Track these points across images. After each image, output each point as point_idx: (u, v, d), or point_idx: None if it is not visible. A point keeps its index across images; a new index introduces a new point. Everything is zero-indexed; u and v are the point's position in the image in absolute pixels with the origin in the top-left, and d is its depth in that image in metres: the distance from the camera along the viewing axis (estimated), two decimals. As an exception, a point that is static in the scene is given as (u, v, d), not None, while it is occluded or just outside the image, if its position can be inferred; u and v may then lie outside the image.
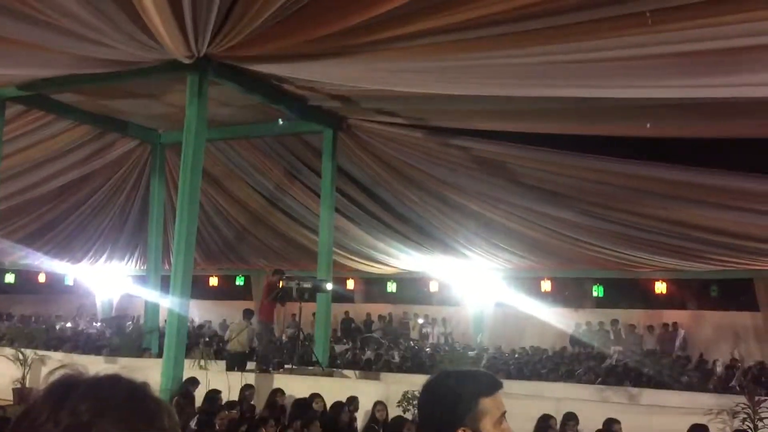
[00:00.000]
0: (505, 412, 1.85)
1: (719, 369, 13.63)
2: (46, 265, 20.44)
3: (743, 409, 7.84)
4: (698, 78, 7.10)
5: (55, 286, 25.06)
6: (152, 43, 8.34)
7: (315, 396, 8.44)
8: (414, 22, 7.00)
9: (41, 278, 23.49)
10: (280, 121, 12.41)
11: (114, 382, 1.16)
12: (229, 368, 10.87)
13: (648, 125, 9.61)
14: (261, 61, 9.09)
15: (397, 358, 14.86)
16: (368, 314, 21.95)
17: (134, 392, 1.15)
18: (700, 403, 8.92)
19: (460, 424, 1.79)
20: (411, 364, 14.01)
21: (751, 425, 7.64)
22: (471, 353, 14.82)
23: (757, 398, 7.99)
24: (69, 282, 24.29)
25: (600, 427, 7.00)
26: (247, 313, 12.44)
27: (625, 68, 7.11)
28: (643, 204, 12.12)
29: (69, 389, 1.12)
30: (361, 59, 8.17)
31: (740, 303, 19.35)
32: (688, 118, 9.41)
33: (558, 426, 7.25)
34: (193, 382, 9.34)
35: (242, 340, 11.87)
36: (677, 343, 17.51)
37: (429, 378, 1.92)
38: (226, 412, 7.70)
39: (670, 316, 19.07)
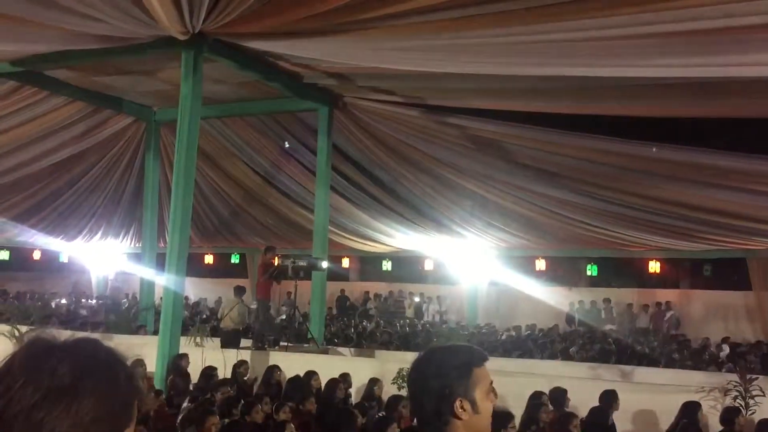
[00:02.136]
0: (492, 382, 1.90)
1: (723, 353, 13.64)
2: (41, 242, 20.43)
3: (735, 387, 7.93)
4: (692, 57, 7.09)
5: (49, 263, 25.09)
6: (147, 18, 8.27)
7: (311, 373, 8.49)
8: (406, 0, 6.96)
9: (36, 255, 23.49)
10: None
11: (91, 344, 1.15)
12: (224, 345, 10.92)
13: (648, 106, 9.59)
14: (256, 38, 9.02)
15: (391, 336, 14.94)
16: (366, 292, 22.06)
17: (111, 354, 1.16)
18: (692, 380, 9.02)
19: (457, 396, 1.83)
20: (405, 341, 14.10)
21: (743, 402, 7.73)
22: (464, 333, 14.93)
23: (748, 376, 8.07)
24: (64, 259, 24.32)
25: (593, 403, 7.05)
26: (238, 290, 12.48)
27: (618, 47, 7.10)
28: (638, 183, 12.15)
29: (47, 352, 1.10)
30: (356, 37, 8.12)
31: (733, 282, 19.50)
32: (683, 97, 9.40)
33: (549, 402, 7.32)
34: (182, 357, 9.37)
35: (234, 317, 11.94)
36: (667, 322, 17.65)
37: (418, 355, 1.96)
38: (227, 389, 7.73)
39: (664, 295, 19.22)
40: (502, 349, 13.37)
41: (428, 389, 1.87)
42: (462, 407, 1.83)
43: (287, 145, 14.06)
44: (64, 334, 1.16)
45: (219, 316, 13.19)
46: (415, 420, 2.10)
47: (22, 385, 1.05)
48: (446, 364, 1.87)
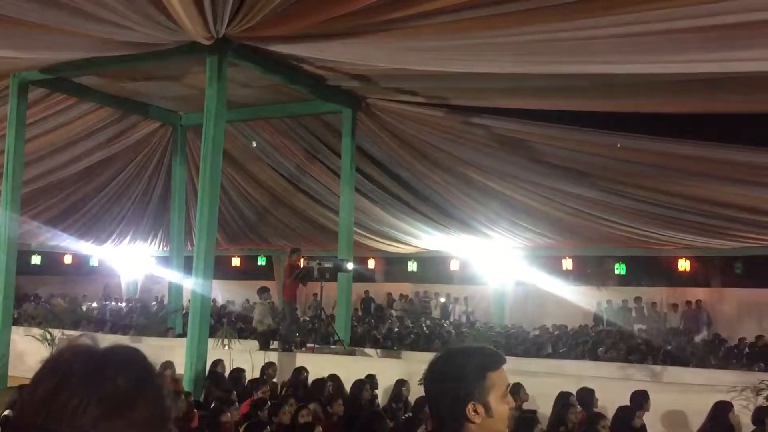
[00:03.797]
0: (509, 386, 1.89)
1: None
2: (72, 246, 20.73)
3: (767, 386, 7.80)
4: (719, 52, 6.98)
5: (80, 267, 25.44)
6: (171, 24, 8.36)
7: (332, 377, 8.51)
8: (428, 1, 6.95)
9: (67, 260, 23.83)
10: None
11: (134, 353, 1.15)
12: (262, 347, 11.14)
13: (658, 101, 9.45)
14: (279, 42, 9.08)
15: (418, 337, 14.91)
16: (389, 294, 22.06)
17: (151, 364, 1.17)
18: (724, 380, 8.88)
19: (470, 399, 1.83)
20: (430, 341, 14.05)
21: (775, 402, 7.60)
22: (491, 333, 14.85)
23: (781, 375, 7.94)
24: (94, 263, 24.64)
25: (622, 404, 6.98)
26: (261, 291, 12.52)
27: (648, 43, 7.02)
28: (667, 181, 11.98)
29: (100, 362, 1.09)
30: (378, 38, 8.13)
31: (765, 280, 19.16)
32: (713, 93, 9.26)
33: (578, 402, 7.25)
34: (217, 363, 9.50)
35: (261, 319, 12.00)
36: (702, 321, 17.39)
37: (434, 356, 1.95)
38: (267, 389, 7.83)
39: (694, 293, 18.93)
40: (530, 349, 13.27)
41: (442, 392, 1.88)
42: (475, 411, 1.82)
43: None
44: (102, 340, 1.18)
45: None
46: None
47: (80, 401, 1.04)
48: (461, 368, 1.87)
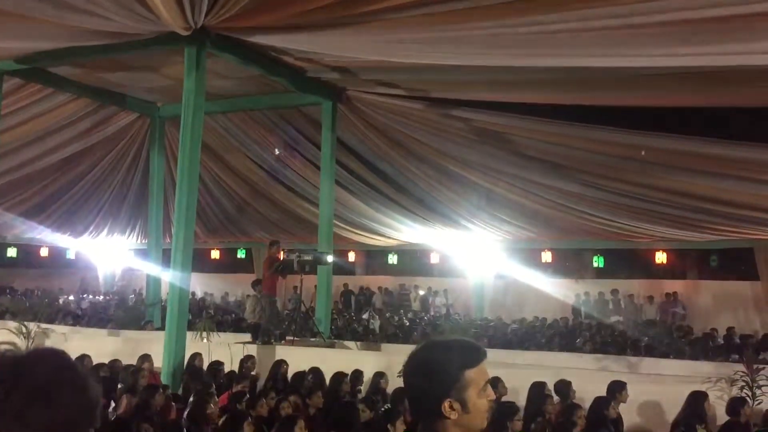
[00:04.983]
0: (489, 380, 1.88)
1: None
2: (48, 238, 20.51)
3: (742, 377, 7.91)
4: (697, 46, 7.03)
5: (57, 260, 25.19)
6: (149, 14, 8.27)
7: (314, 370, 8.50)
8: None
9: (43, 252, 23.58)
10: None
11: (53, 352, 1.41)
12: (253, 339, 11.22)
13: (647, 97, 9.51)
14: (259, 33, 9.01)
15: (397, 330, 14.94)
16: (367, 287, 22.07)
17: (75, 366, 1.40)
18: (699, 371, 8.99)
19: (446, 396, 1.82)
20: (412, 334, 14.10)
21: (749, 393, 7.71)
22: (471, 326, 14.91)
23: (755, 366, 8.05)
24: (71, 256, 24.42)
25: (599, 394, 7.04)
26: (254, 284, 12.48)
27: (624, 37, 7.05)
28: (644, 174, 12.09)
29: (22, 360, 1.33)
30: (359, 30, 8.09)
31: (740, 272, 19.43)
32: (692, 87, 9.34)
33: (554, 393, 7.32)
34: (195, 356, 9.45)
35: (252, 311, 11.97)
36: (677, 313, 17.61)
37: (414, 349, 1.94)
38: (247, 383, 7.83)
39: (671, 286, 19.15)
40: (509, 341, 13.35)
41: (420, 386, 1.87)
42: (451, 407, 1.81)
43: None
44: (97, 341, 1.42)
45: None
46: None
47: (9, 388, 1.28)
48: (439, 364, 1.85)
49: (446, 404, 1.81)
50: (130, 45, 9.75)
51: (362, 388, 8.77)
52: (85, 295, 22.20)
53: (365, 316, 16.10)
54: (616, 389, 7.20)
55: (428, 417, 1.85)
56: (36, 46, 10.47)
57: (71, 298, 21.41)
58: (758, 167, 10.86)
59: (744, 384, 7.82)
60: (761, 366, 8.14)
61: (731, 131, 10.83)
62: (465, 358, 1.87)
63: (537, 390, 7.24)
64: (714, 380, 7.81)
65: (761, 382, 7.80)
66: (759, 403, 7.56)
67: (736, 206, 12.42)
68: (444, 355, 1.87)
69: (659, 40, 6.93)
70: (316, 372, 8.46)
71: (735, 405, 6.86)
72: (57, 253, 24.10)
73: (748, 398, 7.40)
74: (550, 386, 7.48)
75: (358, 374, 8.56)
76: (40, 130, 13.89)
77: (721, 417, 7.10)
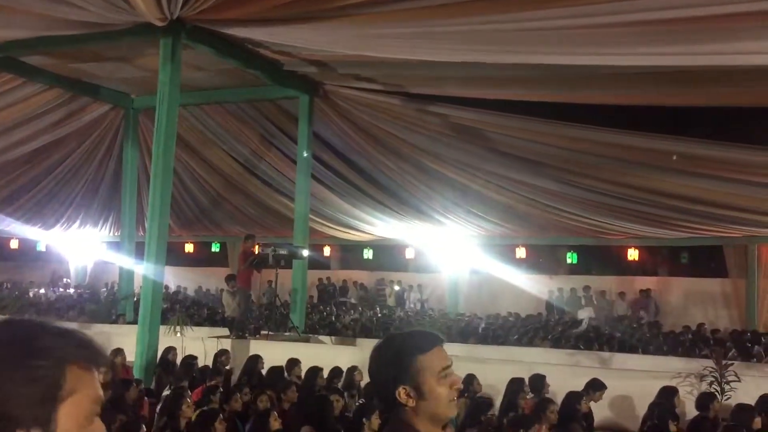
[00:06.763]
0: (449, 365, 1.89)
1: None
2: (18, 231, 20.18)
3: (711, 372, 8.05)
4: (675, 46, 7.12)
5: (27, 252, 24.80)
6: (124, 5, 8.17)
7: (293, 362, 8.49)
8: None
9: (13, 245, 23.21)
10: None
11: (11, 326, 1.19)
12: (231, 333, 11.19)
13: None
14: (235, 25, 8.94)
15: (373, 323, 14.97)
16: (344, 281, 22.07)
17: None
18: (669, 366, 9.13)
19: (399, 383, 1.84)
20: (386, 329, 14.12)
21: (718, 388, 7.85)
22: (444, 320, 14.97)
23: (724, 362, 8.19)
24: (42, 248, 24.06)
25: (570, 389, 7.12)
26: (228, 279, 12.40)
27: (601, 36, 7.12)
28: (617, 171, 12.23)
29: None
30: (336, 24, 8.08)
31: (710, 270, 19.73)
32: (663, 86, 9.46)
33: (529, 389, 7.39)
34: (170, 350, 9.39)
35: (230, 306, 11.88)
36: (649, 309, 17.83)
37: (377, 342, 1.97)
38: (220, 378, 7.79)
39: (642, 282, 19.39)
40: (484, 336, 13.43)
41: (378, 377, 1.92)
42: (408, 395, 1.83)
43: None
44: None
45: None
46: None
47: None
48: (392, 352, 1.89)
49: (401, 391, 1.83)
50: (105, 35, 9.62)
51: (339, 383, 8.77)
52: (55, 288, 21.91)
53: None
54: (594, 387, 7.30)
55: (390, 407, 1.88)
56: (7, 35, 10.27)
57: (42, 291, 21.11)
58: (729, 166, 11.04)
59: (713, 380, 7.96)
60: (730, 362, 8.29)
61: (704, 130, 11.00)
62: (417, 343, 1.90)
63: (514, 385, 7.31)
64: (684, 376, 7.94)
65: (730, 378, 7.94)
66: (728, 399, 7.69)
67: (706, 204, 12.61)
68: (399, 343, 1.92)
69: (632, 39, 7.00)
70: (291, 366, 8.45)
71: (704, 400, 6.97)
72: (27, 246, 23.73)
73: (717, 393, 7.53)
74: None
75: (337, 371, 8.53)
76: (11, 120, 13.64)
77: (691, 412, 7.21)
